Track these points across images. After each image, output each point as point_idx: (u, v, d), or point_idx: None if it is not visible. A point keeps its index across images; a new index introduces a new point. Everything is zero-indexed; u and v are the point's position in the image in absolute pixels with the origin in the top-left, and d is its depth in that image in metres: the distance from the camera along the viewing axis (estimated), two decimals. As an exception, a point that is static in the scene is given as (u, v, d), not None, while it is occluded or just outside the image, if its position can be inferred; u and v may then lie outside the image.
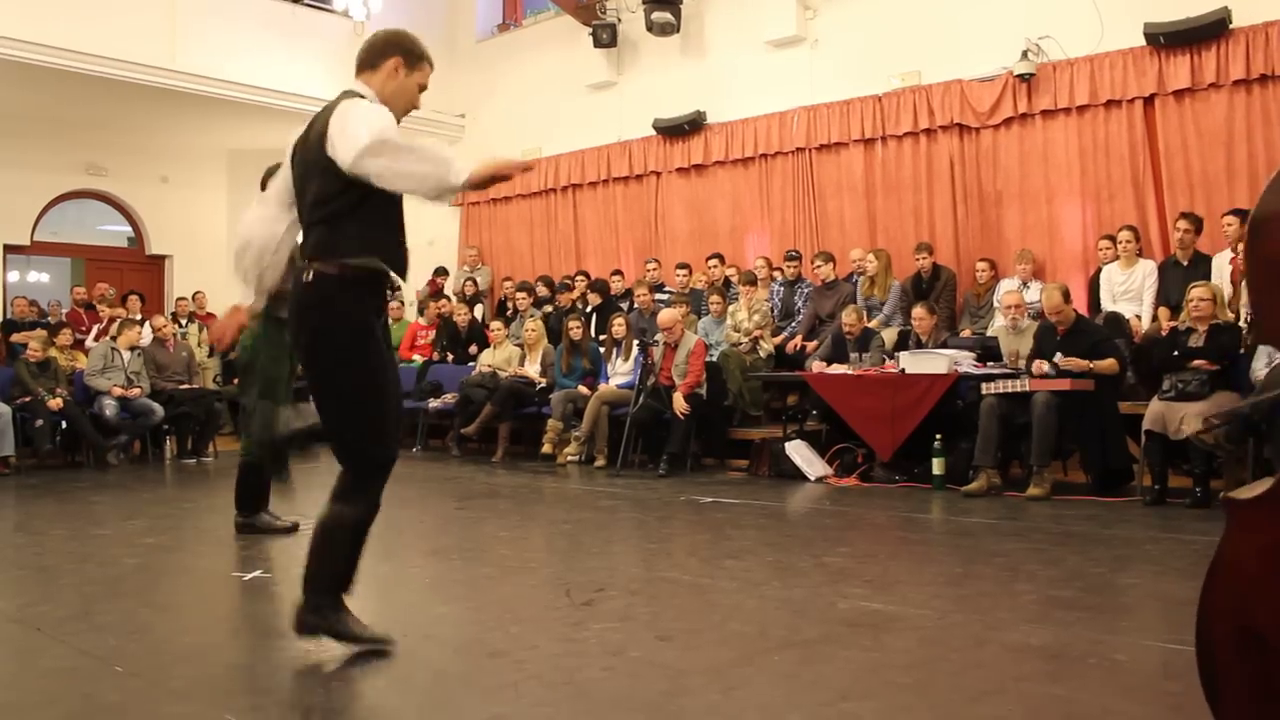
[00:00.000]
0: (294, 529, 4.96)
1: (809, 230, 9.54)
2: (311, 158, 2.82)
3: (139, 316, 10.44)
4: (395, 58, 2.99)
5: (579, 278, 10.31)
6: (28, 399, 8.18)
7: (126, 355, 8.85)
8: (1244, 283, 6.38)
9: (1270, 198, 1.90)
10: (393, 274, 2.92)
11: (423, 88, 3.06)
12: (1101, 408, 6.08)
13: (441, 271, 11.87)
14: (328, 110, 2.85)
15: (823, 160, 9.46)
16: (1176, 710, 2.40)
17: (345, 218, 2.78)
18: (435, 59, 3.16)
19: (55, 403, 8.21)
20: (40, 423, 8.14)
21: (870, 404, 6.84)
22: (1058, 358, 6.14)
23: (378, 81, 2.97)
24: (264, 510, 5.08)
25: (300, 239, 2.97)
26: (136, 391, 8.68)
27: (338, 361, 2.83)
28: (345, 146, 2.68)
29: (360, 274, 2.82)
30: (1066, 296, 6.38)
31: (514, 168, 2.81)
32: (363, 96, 2.90)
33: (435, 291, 11.47)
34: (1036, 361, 6.23)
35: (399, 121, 2.87)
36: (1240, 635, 1.84)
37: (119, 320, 9.42)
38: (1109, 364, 6.08)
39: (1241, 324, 6.17)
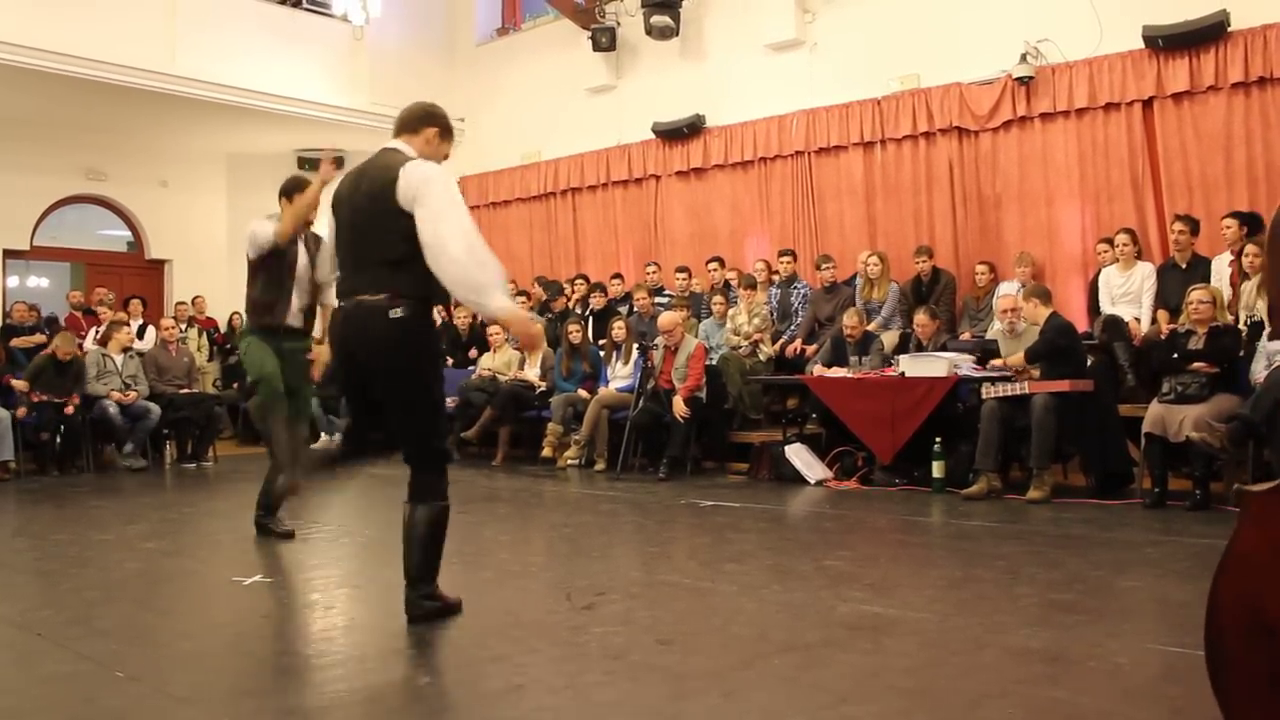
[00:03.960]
0: (290, 535, 4.98)
1: (808, 233, 9.54)
2: (380, 207, 3.22)
3: (141, 321, 10.43)
4: (435, 129, 3.43)
5: (579, 281, 10.29)
6: (44, 398, 8.20)
7: (119, 359, 8.84)
8: (1244, 284, 6.39)
9: None
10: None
11: (446, 157, 3.48)
12: (1101, 410, 6.08)
13: None
14: (392, 164, 3.23)
15: (822, 163, 9.46)
16: (1178, 714, 2.40)
17: (416, 259, 3.20)
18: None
19: (69, 407, 8.25)
20: (45, 436, 8.19)
21: (870, 407, 6.84)
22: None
23: (418, 144, 3.39)
24: (277, 511, 5.09)
25: (353, 274, 3.33)
26: (134, 396, 8.68)
27: (434, 379, 3.37)
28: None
29: (429, 307, 3.37)
30: (1037, 297, 6.44)
31: (536, 339, 3.58)
32: (411, 156, 3.31)
33: None
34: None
35: None
36: (1251, 626, 1.85)
37: (106, 323, 9.40)
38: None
39: (1241, 326, 6.17)
